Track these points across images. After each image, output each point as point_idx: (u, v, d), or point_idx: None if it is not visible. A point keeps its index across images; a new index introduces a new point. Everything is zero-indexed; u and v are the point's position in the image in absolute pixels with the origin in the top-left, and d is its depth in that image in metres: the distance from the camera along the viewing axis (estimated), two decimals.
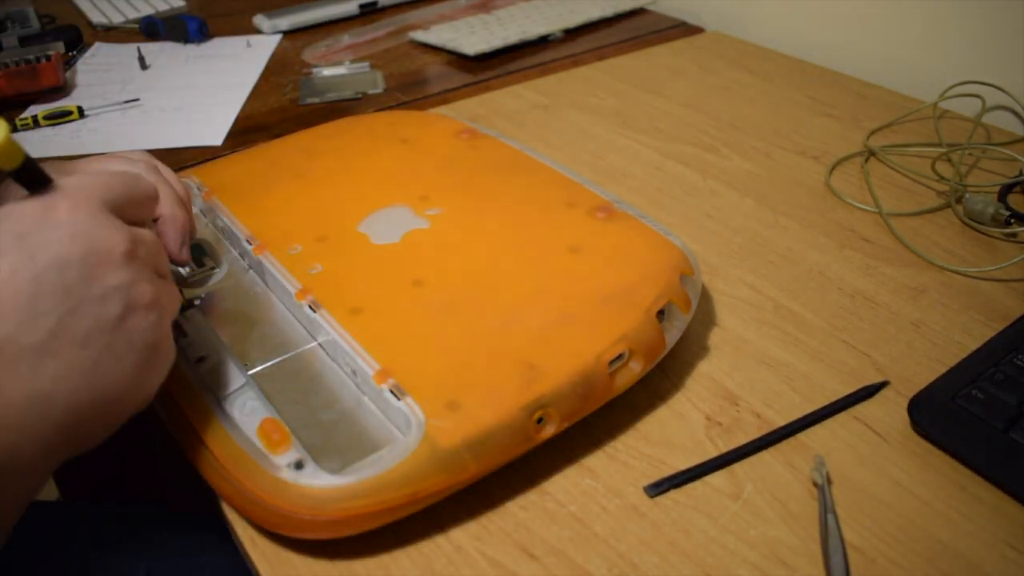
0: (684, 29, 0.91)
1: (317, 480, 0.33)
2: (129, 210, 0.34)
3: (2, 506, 0.28)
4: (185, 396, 0.37)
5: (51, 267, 0.29)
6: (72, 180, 0.32)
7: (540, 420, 0.36)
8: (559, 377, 0.37)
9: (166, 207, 0.40)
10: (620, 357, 0.39)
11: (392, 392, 0.36)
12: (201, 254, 0.48)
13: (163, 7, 1.00)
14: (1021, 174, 0.59)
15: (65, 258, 0.29)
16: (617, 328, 0.39)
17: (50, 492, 0.86)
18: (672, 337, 0.42)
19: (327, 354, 0.41)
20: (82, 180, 0.32)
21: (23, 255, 0.29)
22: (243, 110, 0.74)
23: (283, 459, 0.34)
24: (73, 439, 0.30)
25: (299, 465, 0.33)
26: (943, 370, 0.42)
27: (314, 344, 0.42)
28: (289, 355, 0.41)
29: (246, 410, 0.36)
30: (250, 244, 0.46)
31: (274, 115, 0.73)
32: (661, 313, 0.41)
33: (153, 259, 0.34)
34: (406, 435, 0.35)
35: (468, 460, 0.34)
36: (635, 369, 0.39)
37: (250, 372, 0.40)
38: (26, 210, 0.30)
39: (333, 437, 0.37)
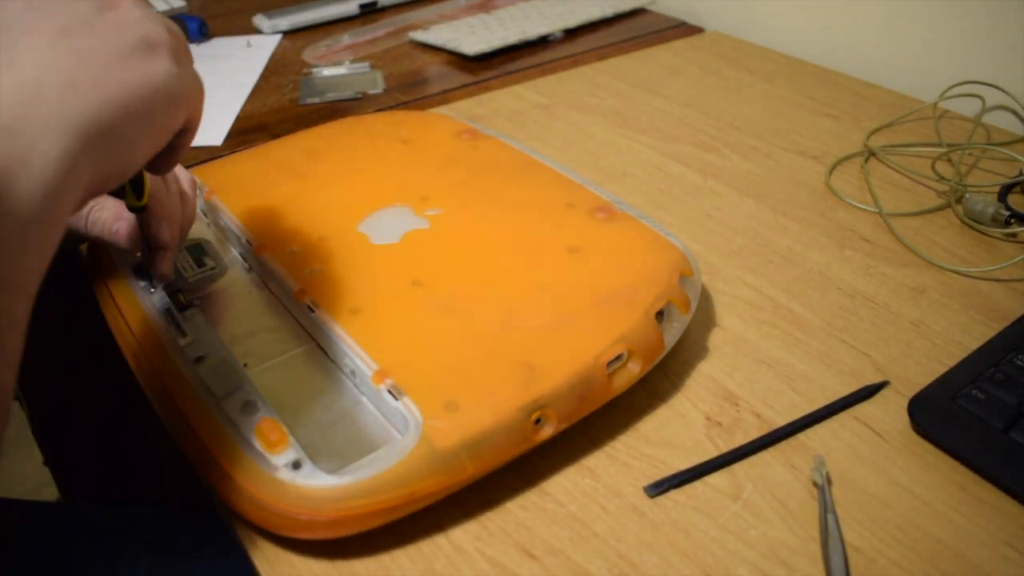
0: (684, 29, 0.91)
1: (314, 480, 0.33)
2: None
3: (21, 232, 0.24)
4: (183, 396, 0.37)
5: None
6: None
7: (538, 421, 0.36)
8: (557, 378, 0.37)
9: (186, 183, 0.41)
10: (619, 358, 0.39)
11: (390, 392, 0.36)
12: (201, 254, 0.48)
13: (163, 7, 1.00)
14: (1021, 174, 0.59)
15: None
16: (616, 329, 0.39)
17: (50, 493, 0.86)
18: (671, 338, 0.42)
19: (326, 354, 0.41)
20: None
21: None
22: (243, 110, 0.74)
23: (281, 459, 0.34)
24: (93, 132, 0.27)
25: (297, 465, 0.34)
26: (943, 370, 0.42)
27: (313, 344, 0.42)
28: (288, 355, 0.41)
29: (244, 410, 0.36)
30: (250, 244, 0.46)
31: (274, 115, 0.73)
32: (660, 314, 0.41)
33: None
34: (404, 435, 0.35)
35: (465, 461, 0.34)
36: (634, 370, 0.39)
37: (249, 372, 0.40)
38: None
39: (331, 437, 0.37)
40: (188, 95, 0.32)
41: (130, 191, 0.39)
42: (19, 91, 0.25)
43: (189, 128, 0.34)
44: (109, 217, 0.43)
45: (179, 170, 0.46)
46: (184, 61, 0.32)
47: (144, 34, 0.30)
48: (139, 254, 0.45)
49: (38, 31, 0.27)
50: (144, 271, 0.45)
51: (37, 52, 0.27)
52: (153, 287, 0.44)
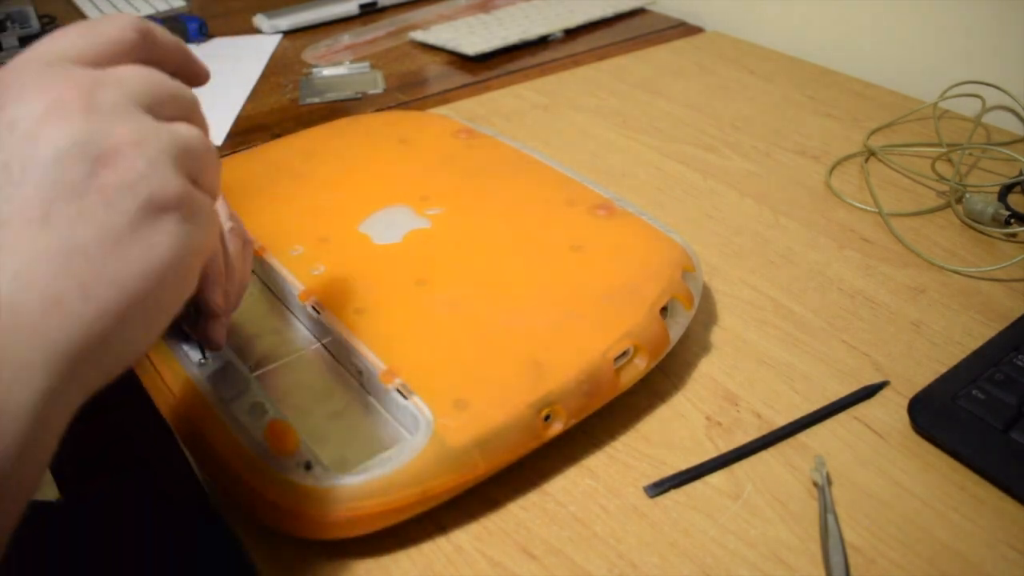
0: (684, 29, 0.91)
1: (327, 481, 0.33)
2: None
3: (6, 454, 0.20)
4: (191, 400, 0.37)
5: None
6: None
7: (547, 417, 0.36)
8: (566, 374, 0.37)
9: (240, 240, 0.37)
10: (625, 353, 0.39)
11: (399, 392, 0.36)
12: None
13: (163, 7, 1.00)
14: (1021, 174, 0.59)
15: None
16: (622, 325, 0.39)
17: (50, 493, 0.87)
18: (676, 333, 0.42)
19: (332, 355, 0.41)
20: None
21: None
22: (243, 110, 0.74)
23: (292, 460, 0.34)
24: (85, 350, 0.22)
25: (308, 466, 0.34)
26: (943, 370, 0.42)
27: (318, 345, 0.42)
28: (293, 356, 0.41)
29: (252, 413, 0.36)
30: (251, 247, 0.46)
31: (274, 115, 0.73)
32: (664, 309, 0.42)
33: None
34: (414, 434, 0.35)
35: (477, 458, 0.34)
36: (640, 365, 0.40)
37: (255, 374, 0.40)
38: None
39: (341, 438, 0.37)
40: (201, 250, 0.26)
41: None
42: None
43: (207, 274, 0.30)
44: None
45: (236, 225, 0.39)
46: (197, 208, 0.26)
47: (148, 196, 0.24)
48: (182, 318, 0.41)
49: (16, 219, 0.22)
50: (188, 336, 0.40)
51: (13, 255, 0.21)
52: (204, 358, 0.39)
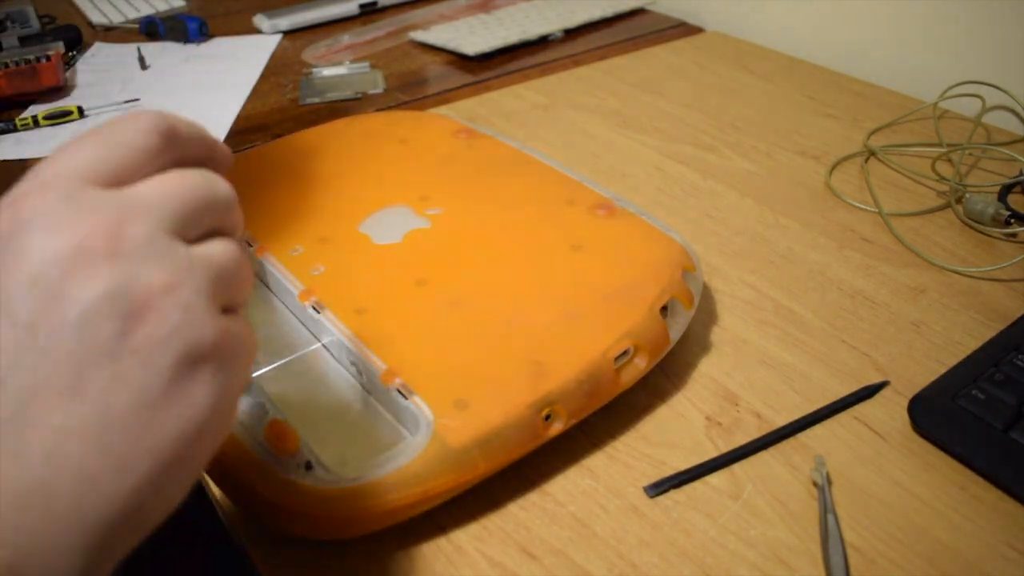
0: (684, 29, 0.91)
1: (328, 481, 0.33)
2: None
3: None
4: None
5: None
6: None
7: (548, 417, 0.36)
8: (566, 374, 0.37)
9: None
10: (626, 353, 0.39)
11: (399, 392, 0.36)
12: None
13: (163, 7, 1.00)
14: (1021, 174, 0.59)
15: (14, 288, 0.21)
16: (622, 324, 0.39)
17: None
18: (676, 332, 0.42)
19: (332, 355, 0.41)
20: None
21: None
22: (243, 110, 0.74)
23: (292, 461, 0.34)
24: (118, 526, 0.21)
25: (309, 466, 0.33)
26: (943, 370, 0.42)
27: (318, 345, 0.42)
28: (294, 357, 0.41)
29: (253, 413, 0.36)
30: (251, 246, 0.46)
31: (274, 115, 0.73)
32: (664, 309, 0.42)
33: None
34: (415, 434, 0.35)
35: (478, 458, 0.34)
36: (640, 365, 0.40)
37: (255, 375, 0.40)
38: None
39: (341, 438, 0.37)
40: (239, 390, 0.24)
41: None
42: (24, 504, 0.19)
43: None
44: None
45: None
46: (234, 346, 0.24)
47: (185, 349, 0.22)
48: None
49: (45, 390, 0.20)
50: None
51: (44, 433, 0.20)
52: None
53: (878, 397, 0.42)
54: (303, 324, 0.43)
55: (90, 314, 0.20)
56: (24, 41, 0.85)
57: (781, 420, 0.41)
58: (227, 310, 0.24)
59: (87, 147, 0.23)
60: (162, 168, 0.24)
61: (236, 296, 0.25)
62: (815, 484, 0.37)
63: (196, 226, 0.24)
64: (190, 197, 0.24)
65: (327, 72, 0.81)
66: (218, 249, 0.24)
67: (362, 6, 0.96)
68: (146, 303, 0.21)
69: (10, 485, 0.19)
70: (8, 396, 0.20)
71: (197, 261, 0.23)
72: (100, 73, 0.82)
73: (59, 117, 0.71)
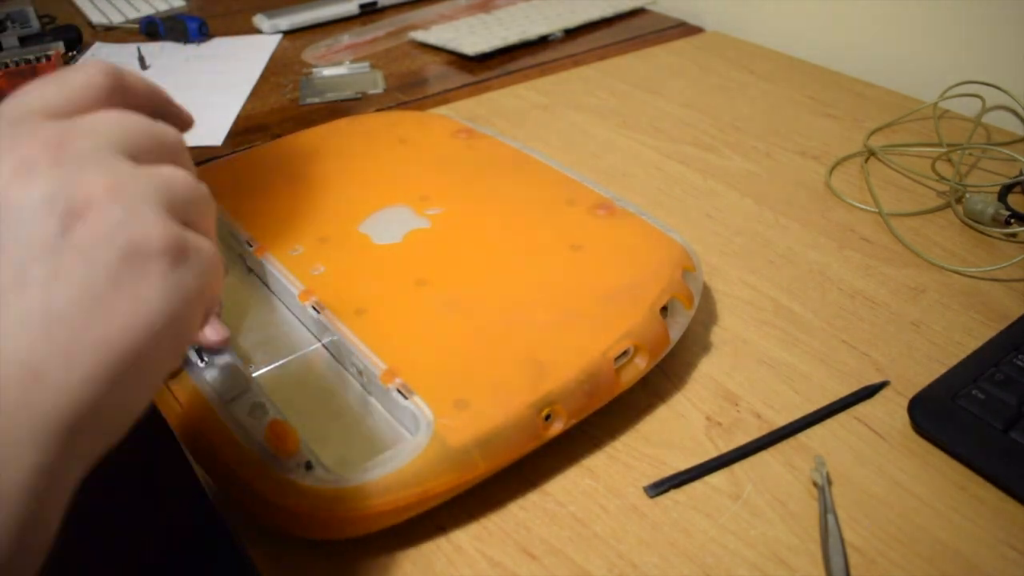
0: (684, 29, 0.91)
1: (328, 481, 0.33)
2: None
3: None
4: (191, 400, 0.37)
5: None
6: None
7: (548, 417, 0.36)
8: (566, 374, 0.37)
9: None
10: (626, 353, 0.39)
11: (399, 392, 0.36)
12: None
13: (163, 7, 1.00)
14: (1021, 174, 0.59)
15: None
16: (622, 324, 0.39)
17: None
18: (676, 332, 0.42)
19: (332, 355, 0.41)
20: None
21: None
22: (243, 110, 0.74)
23: (292, 461, 0.34)
24: (76, 421, 0.21)
25: (309, 466, 0.34)
26: (943, 370, 0.42)
27: (318, 345, 0.42)
28: (294, 357, 0.41)
29: (253, 413, 0.36)
30: (251, 246, 0.46)
31: (274, 115, 0.73)
32: (664, 309, 0.42)
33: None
34: (415, 434, 0.35)
35: (478, 458, 0.34)
36: (640, 365, 0.40)
37: (255, 375, 0.40)
38: None
39: (341, 438, 0.37)
40: (199, 297, 0.24)
41: None
42: None
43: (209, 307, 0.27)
44: None
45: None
46: (190, 250, 0.24)
47: (127, 244, 0.22)
48: None
49: None
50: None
51: None
52: (204, 360, 0.39)
53: (878, 397, 0.42)
54: (303, 324, 0.43)
55: (30, 213, 0.21)
56: (24, 41, 0.85)
57: (781, 420, 0.41)
58: (188, 226, 0.24)
59: (39, 87, 0.24)
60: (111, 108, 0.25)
61: (196, 218, 0.25)
62: (815, 484, 0.37)
63: (145, 154, 0.24)
64: (137, 127, 0.25)
65: (327, 72, 0.81)
66: (169, 169, 0.24)
67: (362, 6, 0.96)
68: (87, 202, 0.22)
69: None
70: None
71: (143, 172, 0.23)
72: None
73: None
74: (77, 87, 0.25)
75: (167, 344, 0.23)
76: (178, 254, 0.23)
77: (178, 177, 0.24)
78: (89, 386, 0.21)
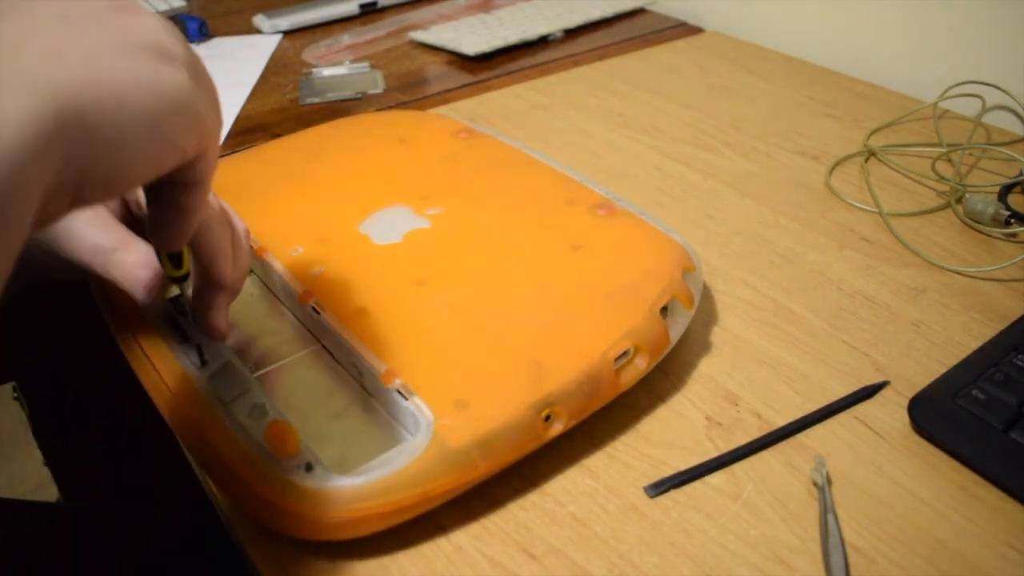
0: (684, 29, 0.91)
1: (327, 482, 0.33)
2: None
3: None
4: (191, 401, 0.37)
5: None
6: None
7: (548, 418, 0.36)
8: (566, 374, 0.37)
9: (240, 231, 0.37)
10: (626, 354, 0.39)
11: (399, 392, 0.36)
12: None
13: (163, 7, 1.00)
14: (1021, 174, 0.59)
15: None
16: (622, 325, 0.39)
17: (50, 493, 0.87)
18: (676, 333, 0.42)
19: (332, 356, 0.41)
20: None
21: None
22: (243, 110, 0.74)
23: (292, 462, 0.34)
24: (72, 116, 0.22)
25: (309, 467, 0.34)
26: (943, 370, 0.42)
27: (318, 345, 0.42)
28: (293, 357, 0.41)
29: (253, 414, 0.36)
30: (251, 246, 0.46)
31: (274, 115, 0.73)
32: (664, 309, 0.42)
33: None
34: (415, 435, 0.35)
35: (478, 459, 0.34)
36: (640, 365, 0.40)
37: (255, 375, 0.40)
38: None
39: (341, 439, 0.37)
40: (203, 119, 0.27)
41: (166, 261, 0.34)
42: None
43: (198, 180, 0.30)
44: (134, 261, 0.37)
45: (234, 218, 0.40)
46: (203, 83, 0.27)
47: (158, 40, 0.25)
48: (179, 314, 0.41)
49: (30, 10, 0.23)
50: (189, 337, 0.40)
51: (21, 23, 0.22)
52: (204, 362, 0.39)
53: (878, 397, 0.42)
54: (303, 324, 0.43)
55: None
56: None
57: (781, 420, 0.41)
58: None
59: None
60: None
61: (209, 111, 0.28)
62: (815, 484, 0.37)
63: None
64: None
65: (327, 72, 0.81)
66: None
67: (362, 6, 0.96)
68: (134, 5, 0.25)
69: None
70: None
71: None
72: None
73: None
74: None
75: (166, 123, 0.25)
76: (197, 74, 0.26)
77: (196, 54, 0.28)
78: (97, 89, 0.22)
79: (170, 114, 0.25)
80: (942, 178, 0.60)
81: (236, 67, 0.83)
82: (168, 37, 0.26)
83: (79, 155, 0.22)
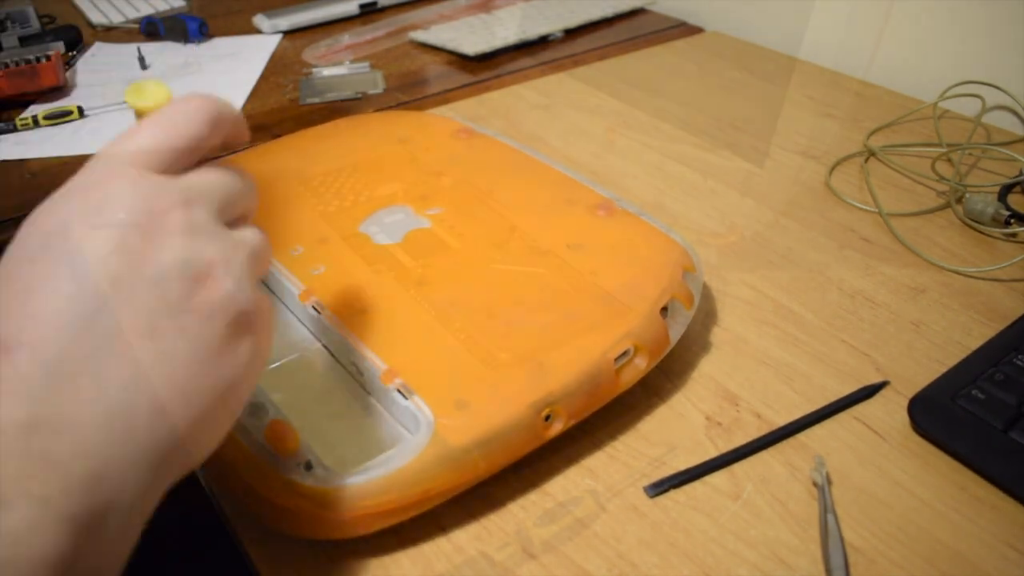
0: (684, 29, 0.91)
1: (327, 481, 0.33)
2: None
3: (107, 550, 0.23)
4: None
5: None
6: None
7: (548, 417, 0.36)
8: (566, 374, 0.37)
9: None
10: (626, 354, 0.39)
11: (399, 392, 0.36)
12: None
13: (163, 7, 1.00)
14: (1021, 174, 0.59)
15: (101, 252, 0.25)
16: (622, 325, 0.39)
17: None
18: (676, 333, 0.42)
19: (332, 355, 0.41)
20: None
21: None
22: (243, 110, 0.74)
23: (292, 461, 0.34)
24: (176, 451, 0.25)
25: (308, 466, 0.33)
26: (943, 370, 0.42)
27: (318, 345, 0.42)
28: (293, 357, 0.41)
29: (253, 413, 0.36)
30: None
31: (274, 115, 0.73)
32: (664, 309, 0.42)
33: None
34: (415, 434, 0.35)
35: (478, 458, 0.34)
36: (640, 365, 0.40)
37: None
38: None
39: (341, 438, 0.37)
40: (267, 354, 0.30)
41: None
42: (109, 424, 0.23)
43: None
44: None
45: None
46: (266, 316, 0.29)
47: (235, 314, 0.26)
48: None
49: (126, 332, 0.24)
50: None
51: (125, 365, 0.23)
52: None
53: (878, 397, 0.42)
54: (303, 324, 0.43)
55: (165, 275, 0.25)
56: (24, 41, 0.84)
57: (781, 420, 0.41)
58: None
59: (146, 133, 0.27)
60: (207, 151, 0.29)
61: (264, 273, 0.30)
62: (815, 484, 0.37)
63: (232, 212, 0.29)
64: (231, 190, 0.29)
65: (327, 72, 0.81)
66: (251, 235, 0.29)
67: (362, 6, 0.96)
68: (207, 272, 0.26)
69: (95, 408, 0.23)
70: (97, 333, 0.23)
71: (241, 244, 0.28)
72: (100, 73, 0.82)
73: (59, 117, 0.71)
74: (186, 138, 0.28)
75: (245, 390, 0.28)
76: (264, 321, 0.28)
77: (257, 241, 0.29)
78: (196, 425, 0.25)
79: (244, 389, 0.28)
80: (942, 178, 0.60)
81: (236, 67, 0.83)
82: (240, 297, 0.27)
83: (176, 473, 0.26)
